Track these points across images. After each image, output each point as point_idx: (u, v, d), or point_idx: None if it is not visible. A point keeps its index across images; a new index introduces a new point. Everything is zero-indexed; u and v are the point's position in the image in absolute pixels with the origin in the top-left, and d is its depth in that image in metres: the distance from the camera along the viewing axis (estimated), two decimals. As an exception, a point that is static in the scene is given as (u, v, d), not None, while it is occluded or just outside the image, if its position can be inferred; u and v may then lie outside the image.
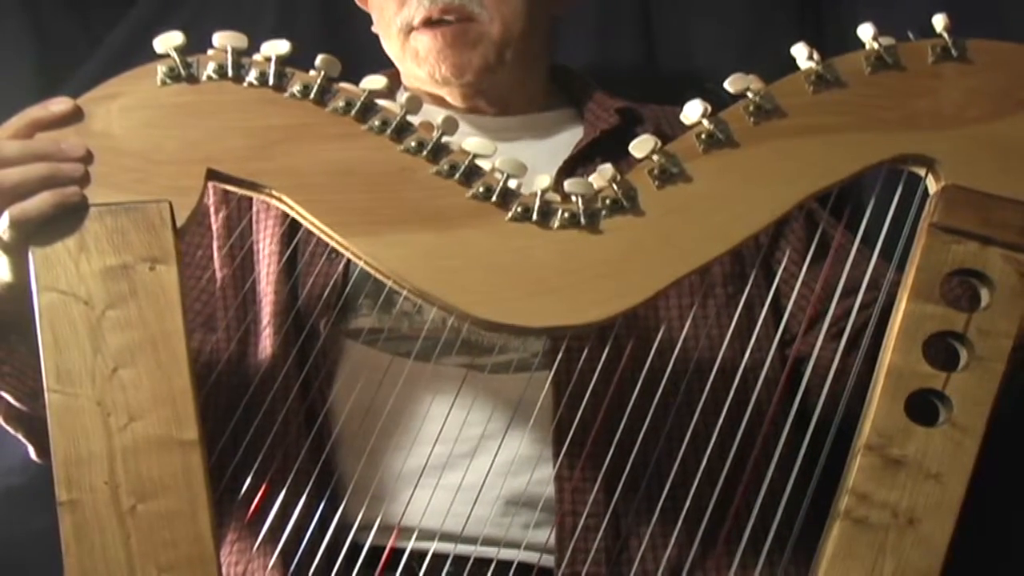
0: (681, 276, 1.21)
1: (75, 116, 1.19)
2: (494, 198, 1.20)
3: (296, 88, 1.21)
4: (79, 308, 1.16)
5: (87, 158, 1.18)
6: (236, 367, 1.46)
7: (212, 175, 1.20)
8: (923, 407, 1.19)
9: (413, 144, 1.21)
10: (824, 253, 1.38)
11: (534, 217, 1.20)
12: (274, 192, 1.21)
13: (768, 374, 1.32)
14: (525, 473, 1.36)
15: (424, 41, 1.51)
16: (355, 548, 1.28)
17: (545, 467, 1.37)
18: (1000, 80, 1.25)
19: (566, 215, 1.20)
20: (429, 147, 1.21)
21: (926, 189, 1.25)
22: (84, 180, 1.17)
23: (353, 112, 1.21)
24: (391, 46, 1.57)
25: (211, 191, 1.51)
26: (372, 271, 1.20)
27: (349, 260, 1.38)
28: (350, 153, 1.21)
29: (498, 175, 1.21)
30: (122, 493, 1.14)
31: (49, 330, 1.16)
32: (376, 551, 1.30)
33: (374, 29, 1.61)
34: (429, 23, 1.50)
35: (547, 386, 1.35)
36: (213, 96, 1.22)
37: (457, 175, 1.21)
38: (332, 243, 1.20)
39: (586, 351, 1.32)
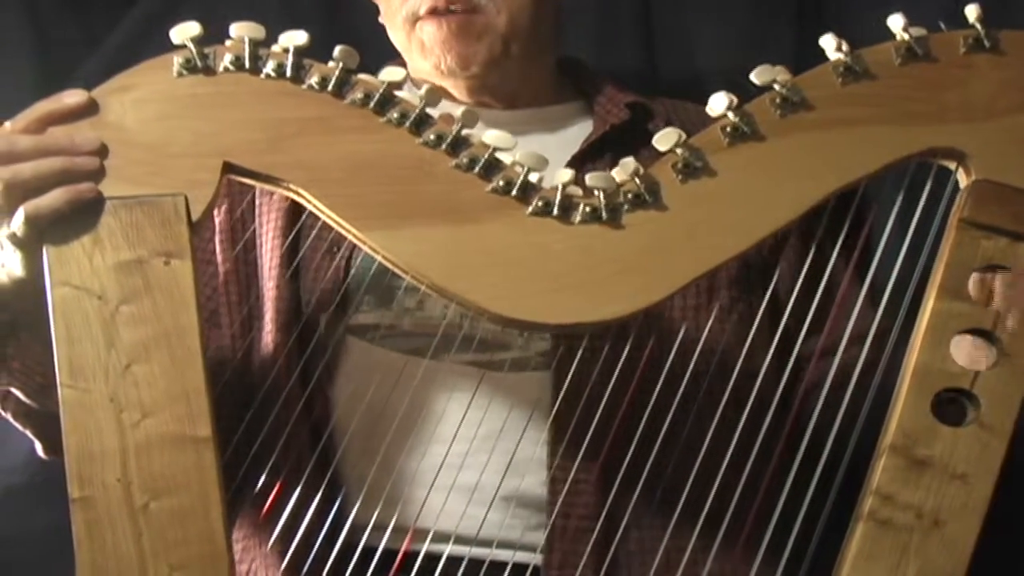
0: (704, 272, 1.19)
1: (89, 109, 1.18)
2: (514, 192, 1.18)
3: (314, 80, 1.19)
4: (93, 303, 1.15)
5: (102, 152, 1.16)
6: (239, 363, 1.44)
7: (228, 168, 1.18)
8: (951, 406, 1.17)
9: (432, 137, 1.19)
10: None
11: (555, 212, 1.18)
12: (291, 186, 1.19)
13: (768, 379, 1.29)
14: (526, 473, 1.34)
15: (430, 30, 1.48)
16: (351, 546, 1.28)
17: (544, 468, 1.35)
18: (1033, 71, 1.23)
19: (587, 210, 1.18)
20: (448, 140, 1.19)
21: (956, 183, 1.22)
22: (98, 175, 1.16)
23: (372, 104, 1.19)
24: (397, 36, 1.55)
25: None
26: (390, 265, 1.18)
27: (351, 255, 1.40)
28: (368, 146, 1.19)
29: (518, 169, 1.19)
30: (135, 490, 1.13)
31: (63, 325, 1.15)
32: (372, 549, 1.28)
33: (381, 20, 1.58)
34: (435, 12, 1.48)
35: (550, 385, 1.34)
36: (230, 88, 1.20)
37: (477, 168, 1.19)
38: (350, 237, 1.19)
39: (589, 351, 1.29)
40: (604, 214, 1.18)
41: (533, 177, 1.19)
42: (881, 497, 1.15)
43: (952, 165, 1.22)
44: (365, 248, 1.18)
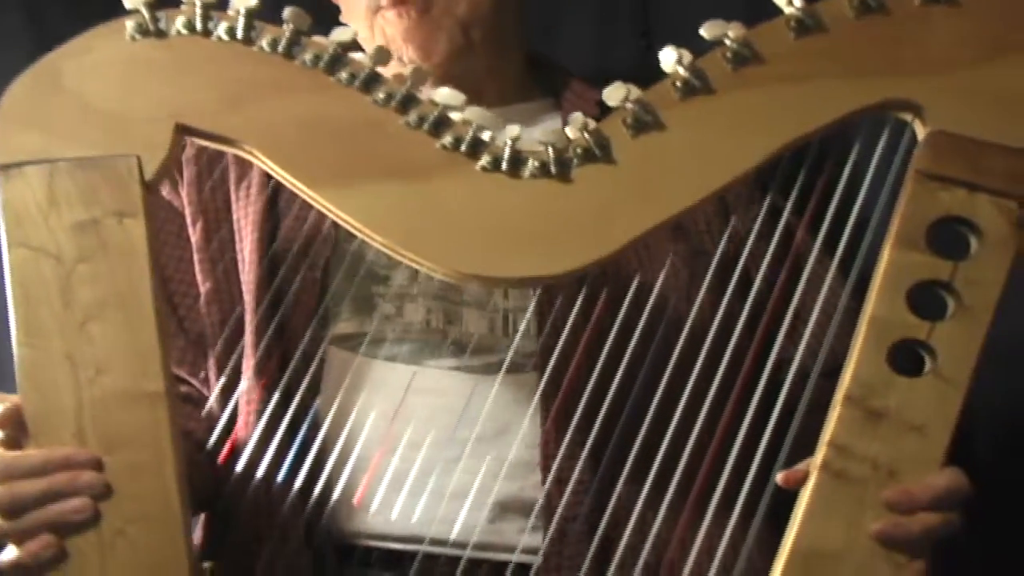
0: (656, 225, 1.19)
1: (104, 495, 1.15)
2: (463, 148, 1.19)
3: (265, 42, 1.21)
4: (49, 263, 1.17)
5: (105, 493, 1.15)
6: (225, 382, 1.43)
7: (182, 130, 1.20)
8: (911, 359, 1.17)
9: (382, 96, 1.20)
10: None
11: (504, 167, 1.19)
12: (244, 146, 1.20)
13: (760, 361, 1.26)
14: (518, 476, 1.34)
15: (391, 20, 1.47)
16: (344, 554, 1.31)
17: (535, 470, 1.35)
18: (989, 22, 1.21)
19: (536, 164, 1.19)
20: (398, 98, 1.20)
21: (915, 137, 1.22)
22: (91, 520, 1.14)
23: (321, 65, 1.20)
24: (359, 30, 1.51)
25: (186, 201, 1.53)
26: (342, 223, 1.19)
27: (328, 265, 1.41)
28: (319, 106, 1.20)
29: (468, 126, 1.19)
30: (90, 445, 1.14)
31: (19, 286, 1.17)
32: (365, 556, 1.32)
33: (342, 19, 1.56)
34: (396, 3, 1.47)
35: (538, 386, 1.34)
36: (182, 51, 1.21)
37: (426, 126, 1.19)
38: (302, 195, 1.19)
39: (576, 349, 1.29)
40: (553, 169, 1.19)
41: (483, 134, 1.19)
42: (836, 448, 1.14)
43: (908, 117, 1.22)
44: (317, 206, 1.19)
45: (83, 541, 1.13)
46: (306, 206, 1.24)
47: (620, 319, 1.27)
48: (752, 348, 1.25)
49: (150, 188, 1.19)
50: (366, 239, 1.19)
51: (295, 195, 1.32)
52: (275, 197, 1.48)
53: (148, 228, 1.18)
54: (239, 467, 1.32)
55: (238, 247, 1.50)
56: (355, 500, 1.32)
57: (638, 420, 1.23)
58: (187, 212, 1.53)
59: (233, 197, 1.52)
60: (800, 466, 1.16)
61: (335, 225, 1.38)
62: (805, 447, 1.17)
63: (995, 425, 1.73)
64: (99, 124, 1.19)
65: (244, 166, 1.52)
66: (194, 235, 1.53)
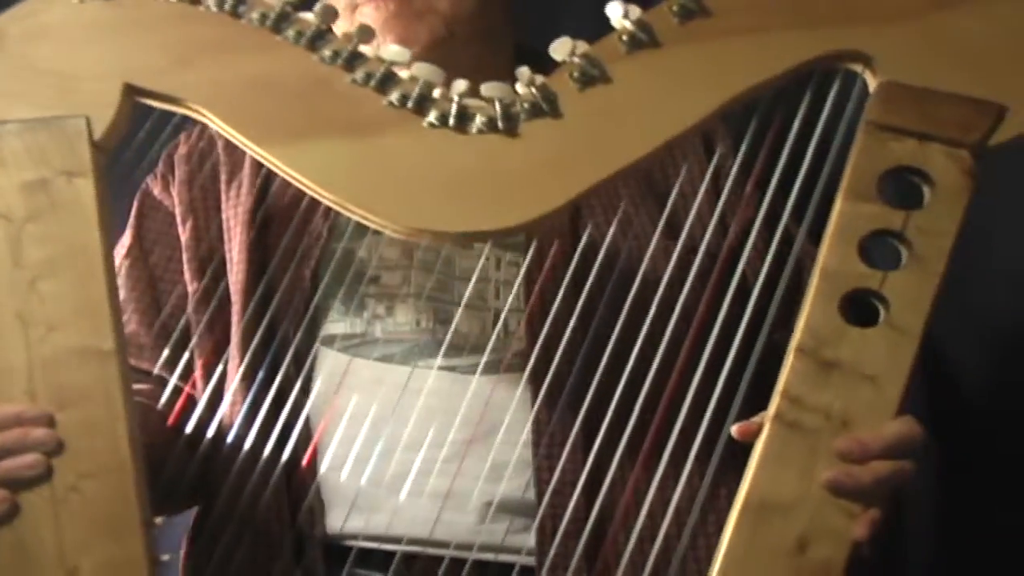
0: (603, 179, 1.18)
1: (56, 450, 1.16)
2: (410, 104, 1.19)
3: (211, 1, 1.22)
4: None
5: (57, 449, 1.15)
6: (214, 385, 1.43)
7: (130, 89, 1.21)
8: (865, 309, 1.16)
9: (328, 54, 1.20)
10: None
11: (451, 123, 1.19)
12: (192, 105, 1.21)
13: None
14: (510, 476, 1.33)
15: (369, 13, 1.44)
16: (336, 556, 1.31)
17: (527, 470, 1.34)
18: (940, -29, 1.22)
19: (484, 120, 1.19)
20: (344, 56, 1.20)
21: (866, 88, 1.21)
22: (43, 476, 1.15)
23: (268, 23, 1.21)
24: (339, 26, 1.51)
25: (176, 200, 1.53)
26: (293, 181, 1.19)
27: (318, 266, 1.41)
28: (266, 64, 1.21)
29: (414, 82, 1.19)
30: (41, 402, 1.15)
31: None
32: (358, 559, 1.31)
33: None
34: None
35: (528, 385, 1.34)
36: (130, 12, 1.22)
37: (373, 83, 1.20)
38: (252, 154, 1.20)
39: (567, 347, 1.28)
40: (501, 124, 1.19)
41: (429, 90, 1.19)
42: (789, 399, 1.13)
43: (859, 68, 1.21)
44: (268, 164, 1.19)
45: (36, 496, 1.14)
46: (296, 206, 1.24)
47: (614, 317, 1.26)
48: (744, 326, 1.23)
49: (99, 148, 1.20)
50: (316, 196, 1.19)
51: (284, 194, 1.33)
52: (264, 196, 1.48)
53: (97, 188, 1.19)
54: (228, 470, 1.33)
55: (227, 247, 1.50)
56: (303, 462, 1.33)
57: (631, 419, 1.23)
58: (177, 211, 1.54)
59: (223, 197, 1.52)
60: (755, 419, 1.15)
61: (325, 224, 1.40)
62: None
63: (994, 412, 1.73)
64: (47, 85, 1.20)
65: (235, 165, 1.52)
66: (183, 234, 1.53)
